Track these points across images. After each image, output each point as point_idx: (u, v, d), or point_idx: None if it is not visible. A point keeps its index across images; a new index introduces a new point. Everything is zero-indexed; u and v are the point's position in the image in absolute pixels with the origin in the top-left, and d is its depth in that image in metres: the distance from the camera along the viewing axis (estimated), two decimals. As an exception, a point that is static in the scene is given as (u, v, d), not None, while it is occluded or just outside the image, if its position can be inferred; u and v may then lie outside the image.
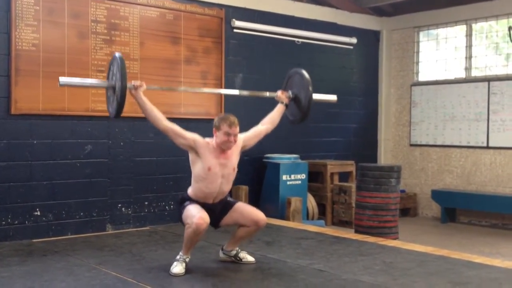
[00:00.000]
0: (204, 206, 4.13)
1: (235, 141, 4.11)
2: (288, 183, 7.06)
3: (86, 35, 5.88)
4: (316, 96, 4.68)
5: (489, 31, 8.07)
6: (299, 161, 7.29)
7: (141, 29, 6.23)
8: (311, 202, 7.47)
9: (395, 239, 5.99)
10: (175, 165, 6.44)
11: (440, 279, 4.05)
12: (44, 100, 5.61)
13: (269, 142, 7.56)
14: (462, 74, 8.22)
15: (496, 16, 7.83)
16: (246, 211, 4.26)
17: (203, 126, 6.04)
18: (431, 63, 8.63)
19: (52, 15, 5.65)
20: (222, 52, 6.87)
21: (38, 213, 5.61)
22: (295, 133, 7.87)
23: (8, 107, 5.43)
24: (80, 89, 5.83)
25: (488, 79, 7.87)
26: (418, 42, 8.76)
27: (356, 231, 6.24)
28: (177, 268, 4.07)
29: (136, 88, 4.03)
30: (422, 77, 8.73)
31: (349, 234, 5.93)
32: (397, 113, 8.99)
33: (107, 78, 4.22)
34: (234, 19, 7.10)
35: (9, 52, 5.41)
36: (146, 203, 6.36)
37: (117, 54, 4.08)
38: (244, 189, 6.83)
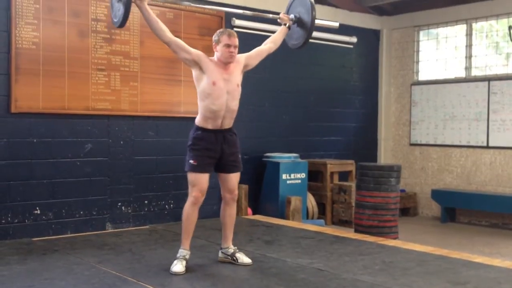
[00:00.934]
0: (215, 138, 4.11)
1: (236, 52, 4.15)
2: (288, 182, 7.06)
3: (86, 34, 5.87)
4: (318, 21, 4.67)
5: (489, 30, 8.07)
6: (299, 160, 7.29)
7: (141, 27, 6.22)
8: (311, 201, 7.47)
9: (395, 238, 5.99)
10: (175, 164, 6.44)
11: (439, 278, 4.05)
12: (44, 99, 5.60)
13: (269, 141, 7.59)
14: (462, 74, 8.21)
15: (497, 16, 7.83)
16: (232, 180, 4.29)
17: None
18: (431, 62, 8.63)
19: (52, 13, 5.64)
20: (222, 51, 6.86)
21: (38, 212, 5.61)
22: (295, 132, 7.87)
23: (8, 106, 5.42)
24: (80, 88, 5.83)
25: (488, 79, 7.87)
26: (418, 41, 8.75)
27: (356, 231, 6.24)
28: (177, 266, 4.07)
29: None
30: (422, 77, 8.73)
31: (349, 233, 5.93)
32: (397, 113, 8.99)
33: None
34: (234, 18, 7.09)
35: (9, 51, 5.40)
36: (146, 202, 6.36)
37: None
38: (244, 188, 6.82)
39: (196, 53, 4.12)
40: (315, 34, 7.87)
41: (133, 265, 4.36)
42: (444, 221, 7.97)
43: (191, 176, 4.16)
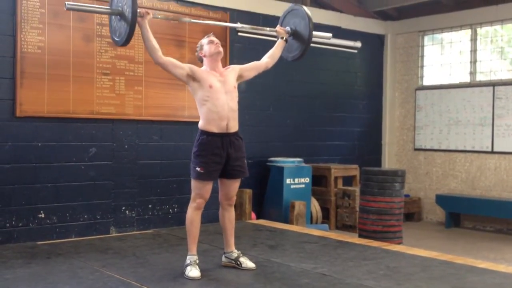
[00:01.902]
0: (221, 142, 4.11)
1: (220, 44, 4.23)
2: (292, 186, 7.05)
3: (91, 38, 5.89)
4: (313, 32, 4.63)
5: (494, 35, 8.06)
6: (303, 164, 7.28)
7: (146, 32, 6.23)
8: (315, 206, 7.46)
9: (399, 243, 5.97)
10: (179, 168, 6.44)
11: (444, 284, 4.03)
12: (49, 103, 5.62)
13: (273, 145, 7.59)
14: (466, 79, 8.20)
15: (501, 21, 7.81)
16: (232, 187, 4.29)
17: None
18: (435, 67, 8.62)
19: (58, 18, 5.67)
20: (227, 56, 6.88)
21: (42, 216, 5.62)
22: (299, 137, 7.87)
23: (13, 110, 5.44)
24: (85, 92, 5.85)
25: (493, 84, 7.86)
26: (422, 46, 8.75)
27: (360, 236, 6.23)
28: (194, 272, 4.05)
29: (142, 16, 4.01)
30: (426, 81, 8.72)
31: (353, 238, 5.92)
32: (401, 117, 8.98)
33: (110, 5, 4.17)
34: (238, 23, 7.09)
35: (14, 55, 5.43)
36: (150, 206, 6.36)
37: None
38: (248, 192, 6.82)
39: (188, 65, 4.17)
40: (320, 39, 7.93)
41: (137, 269, 4.36)
42: (449, 226, 7.95)
43: (197, 184, 4.14)
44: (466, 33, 8.23)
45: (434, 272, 4.37)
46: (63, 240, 5.57)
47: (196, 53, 4.30)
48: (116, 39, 4.15)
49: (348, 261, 4.69)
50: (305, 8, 4.64)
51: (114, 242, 5.47)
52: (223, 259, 4.44)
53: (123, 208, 6.17)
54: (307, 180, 7.21)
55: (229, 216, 4.35)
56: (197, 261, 4.16)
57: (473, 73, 8.14)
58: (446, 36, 8.48)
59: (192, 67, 4.16)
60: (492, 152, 7.83)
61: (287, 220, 6.79)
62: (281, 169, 7.02)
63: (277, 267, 4.45)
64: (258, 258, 4.62)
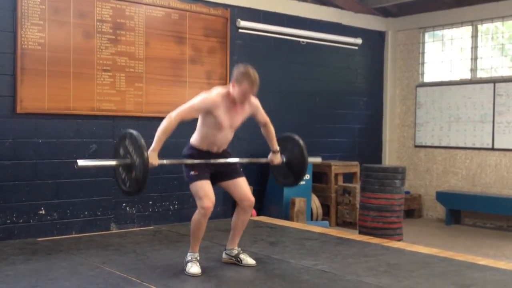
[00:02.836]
0: (209, 156, 4.13)
1: (250, 97, 4.09)
2: (292, 183, 7.05)
3: (92, 35, 5.89)
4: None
5: (495, 32, 8.05)
6: (304, 161, 7.27)
7: (146, 28, 6.24)
8: (315, 202, 7.46)
9: (399, 240, 5.98)
10: (180, 165, 6.43)
11: (444, 281, 4.04)
12: (49, 99, 5.62)
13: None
14: (467, 75, 8.19)
15: (502, 17, 7.80)
16: (241, 186, 4.27)
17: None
18: (436, 64, 8.61)
19: (58, 14, 5.66)
20: (227, 52, 6.88)
21: (43, 212, 5.63)
22: (299, 133, 7.79)
23: (14, 106, 5.44)
24: (86, 88, 5.85)
25: (493, 81, 7.85)
26: (423, 43, 8.73)
27: (360, 232, 6.23)
28: (194, 268, 4.07)
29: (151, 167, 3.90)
30: (427, 78, 8.71)
31: (353, 235, 5.92)
32: (402, 114, 8.98)
33: (115, 157, 4.05)
34: (239, 19, 7.10)
35: (15, 51, 5.42)
36: (151, 202, 6.36)
37: (131, 131, 3.95)
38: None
39: (209, 107, 3.99)
40: (320, 35, 7.94)
41: (137, 265, 4.37)
42: (449, 223, 7.95)
43: (196, 187, 4.10)
44: (467, 30, 8.22)
45: (434, 269, 4.38)
46: (63, 237, 5.58)
47: (233, 75, 4.05)
48: (126, 189, 3.99)
49: (349, 257, 4.70)
50: (301, 141, 4.57)
51: (115, 238, 5.48)
52: (224, 255, 4.44)
53: (124, 204, 6.17)
54: (308, 177, 7.20)
55: (244, 218, 4.32)
56: (198, 258, 4.17)
57: (473, 70, 8.13)
58: (447, 32, 8.47)
59: (211, 108, 3.98)
60: (493, 149, 7.82)
61: (287, 217, 6.80)
62: (281, 166, 7.01)
63: (277, 263, 4.46)
64: (258, 255, 4.63)
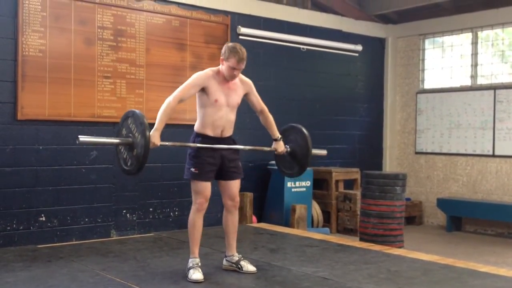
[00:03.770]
0: (216, 147, 4.12)
1: (239, 74, 4.17)
2: (293, 190, 7.05)
3: (93, 41, 5.90)
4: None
5: (495, 39, 8.06)
6: (304, 168, 7.27)
7: (147, 35, 6.26)
8: (316, 209, 7.45)
9: (400, 247, 5.97)
10: (180, 171, 6.38)
11: (445, 288, 4.02)
12: (50, 106, 5.63)
13: (274, 149, 7.58)
14: (467, 82, 8.20)
15: (502, 24, 7.82)
16: (234, 187, 4.29)
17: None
18: (436, 70, 8.62)
19: (59, 21, 5.68)
20: (228, 59, 6.88)
21: (43, 219, 5.62)
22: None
23: (15, 113, 5.45)
24: (86, 95, 5.86)
25: (494, 87, 7.86)
26: (423, 49, 8.75)
27: (361, 239, 6.22)
28: (197, 274, 4.06)
29: (152, 146, 3.89)
30: (427, 85, 8.72)
31: (354, 242, 5.91)
32: (402, 121, 8.98)
33: (117, 135, 4.04)
34: (239, 26, 7.12)
35: (16, 58, 5.43)
36: (151, 209, 6.36)
37: (135, 111, 3.94)
38: (249, 196, 6.82)
39: (202, 81, 4.11)
40: (320, 42, 7.96)
41: (137, 272, 4.36)
42: (450, 230, 7.93)
43: (193, 184, 4.18)
44: (467, 37, 8.23)
45: (435, 276, 4.36)
46: (63, 244, 5.57)
47: (221, 52, 4.18)
48: (127, 168, 3.99)
49: (349, 264, 4.69)
50: (304, 130, 4.56)
51: (115, 245, 5.47)
52: (224, 262, 4.43)
53: (124, 211, 6.16)
54: (308, 183, 7.21)
55: (232, 220, 4.35)
56: (200, 264, 4.16)
57: (474, 76, 8.14)
58: (447, 39, 8.49)
59: (204, 81, 4.10)
60: (493, 155, 7.82)
61: (288, 224, 6.79)
62: (282, 173, 7.01)
63: (278, 270, 4.44)
64: (259, 262, 4.61)
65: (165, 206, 6.46)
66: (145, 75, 6.27)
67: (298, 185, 7.10)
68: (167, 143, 4.17)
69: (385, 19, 8.83)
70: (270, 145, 4.55)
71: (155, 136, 3.91)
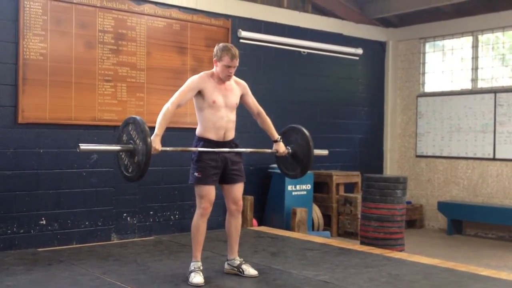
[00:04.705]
0: (216, 147, 4.12)
1: (233, 72, 4.18)
2: (293, 193, 7.05)
3: (94, 45, 5.91)
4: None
5: (496, 42, 8.07)
6: (305, 171, 7.26)
7: (148, 39, 6.27)
8: (317, 212, 7.45)
9: (401, 251, 5.96)
10: (180, 174, 6.44)
11: (446, 291, 4.02)
12: (51, 109, 5.63)
13: (275, 152, 7.58)
14: (468, 85, 8.20)
15: (503, 28, 7.82)
16: (237, 190, 4.30)
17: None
18: (437, 74, 8.62)
19: (60, 25, 5.68)
20: (228, 62, 6.89)
21: (44, 222, 5.62)
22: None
23: (15, 116, 5.45)
24: (87, 98, 5.87)
25: (494, 91, 7.86)
26: (424, 53, 8.76)
27: (362, 243, 6.21)
28: (197, 278, 4.06)
29: (153, 152, 3.90)
30: (428, 88, 8.72)
31: (354, 245, 5.90)
32: (403, 124, 8.98)
33: (118, 141, 4.04)
34: (240, 30, 7.12)
35: (16, 61, 5.44)
36: (151, 212, 6.35)
37: (136, 117, 3.93)
38: (249, 199, 6.81)
39: (197, 84, 4.14)
40: (321, 45, 7.96)
41: (138, 276, 4.36)
42: (451, 233, 7.93)
43: (197, 189, 4.18)
44: (468, 40, 8.24)
45: (436, 280, 4.35)
46: (64, 247, 5.57)
47: (213, 53, 4.23)
48: (128, 174, 3.98)
49: (350, 268, 4.68)
50: (305, 130, 4.56)
51: (115, 249, 5.47)
52: (226, 266, 4.43)
53: (125, 214, 6.16)
54: (309, 186, 7.20)
55: (235, 224, 4.35)
56: (201, 268, 4.16)
57: (474, 80, 8.14)
58: (448, 43, 8.49)
59: (200, 84, 4.14)
60: (494, 159, 7.82)
61: (288, 227, 6.78)
62: (282, 176, 6.98)
63: (278, 274, 4.44)
64: (259, 265, 4.61)
65: (166, 210, 6.46)
66: (146, 78, 6.28)
67: (298, 189, 7.09)
68: (168, 149, 4.16)
69: (385, 22, 8.83)
70: (270, 148, 4.55)
71: (156, 142, 3.92)
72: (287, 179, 6.95)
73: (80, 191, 5.85)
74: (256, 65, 7.33)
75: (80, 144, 3.80)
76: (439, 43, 8.62)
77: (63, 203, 5.74)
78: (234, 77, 4.31)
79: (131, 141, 3.89)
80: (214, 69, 4.23)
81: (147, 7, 6.28)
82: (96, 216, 5.95)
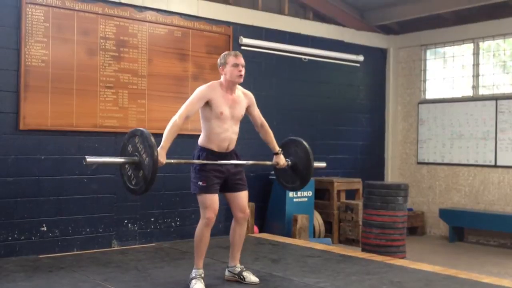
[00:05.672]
0: (218, 158, 4.12)
1: (244, 71, 4.17)
2: (294, 200, 7.04)
3: (95, 52, 5.93)
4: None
5: (497, 49, 8.08)
6: (306, 178, 7.26)
7: (149, 46, 6.29)
8: (318, 219, 7.43)
9: (402, 258, 5.94)
10: (181, 181, 6.44)
11: (448, 299, 4.00)
12: (52, 116, 5.64)
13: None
14: (469, 93, 8.21)
15: (504, 35, 7.84)
16: (242, 199, 4.29)
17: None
18: (438, 81, 8.63)
19: (62, 32, 5.70)
20: (230, 69, 6.90)
21: (45, 229, 5.61)
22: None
23: (17, 123, 5.46)
24: (88, 105, 5.88)
25: (495, 98, 7.86)
26: (425, 60, 8.77)
27: (363, 250, 6.20)
28: (198, 285, 4.05)
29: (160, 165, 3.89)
30: (429, 95, 8.73)
31: (356, 252, 5.89)
32: (404, 131, 8.98)
33: (122, 154, 4.00)
34: (241, 37, 7.14)
35: (18, 68, 5.45)
36: (152, 219, 6.35)
37: (142, 129, 3.91)
38: (250, 206, 6.77)
39: (206, 94, 4.11)
40: (322, 52, 7.98)
41: (139, 282, 4.34)
42: (452, 240, 7.91)
43: (201, 198, 4.13)
44: (469, 47, 8.25)
45: (437, 287, 4.34)
46: (65, 254, 5.56)
47: (218, 64, 4.24)
48: (132, 187, 3.95)
49: (351, 275, 4.67)
50: (304, 142, 4.57)
51: (116, 255, 5.46)
52: (226, 273, 4.42)
53: (126, 221, 6.16)
54: (310, 193, 7.20)
55: (240, 232, 4.33)
56: (203, 275, 4.15)
57: (475, 87, 8.14)
58: (449, 50, 8.51)
59: (208, 93, 4.10)
60: (495, 166, 7.81)
61: (289, 234, 6.77)
62: (283, 183, 7.00)
63: (279, 281, 4.43)
64: (260, 272, 4.60)
65: (167, 216, 6.45)
66: (147, 85, 6.29)
67: (299, 195, 7.09)
68: (172, 161, 4.12)
69: (386, 29, 8.85)
70: (271, 155, 4.55)
71: (161, 155, 3.87)
72: (288, 186, 6.94)
73: (81, 197, 5.85)
74: (257, 72, 7.34)
75: (86, 157, 3.77)
76: (440, 50, 8.64)
77: (64, 210, 5.74)
78: (242, 88, 4.30)
79: (137, 154, 3.85)
80: (221, 79, 4.21)
81: (148, 14, 6.30)
82: (97, 223, 5.95)
